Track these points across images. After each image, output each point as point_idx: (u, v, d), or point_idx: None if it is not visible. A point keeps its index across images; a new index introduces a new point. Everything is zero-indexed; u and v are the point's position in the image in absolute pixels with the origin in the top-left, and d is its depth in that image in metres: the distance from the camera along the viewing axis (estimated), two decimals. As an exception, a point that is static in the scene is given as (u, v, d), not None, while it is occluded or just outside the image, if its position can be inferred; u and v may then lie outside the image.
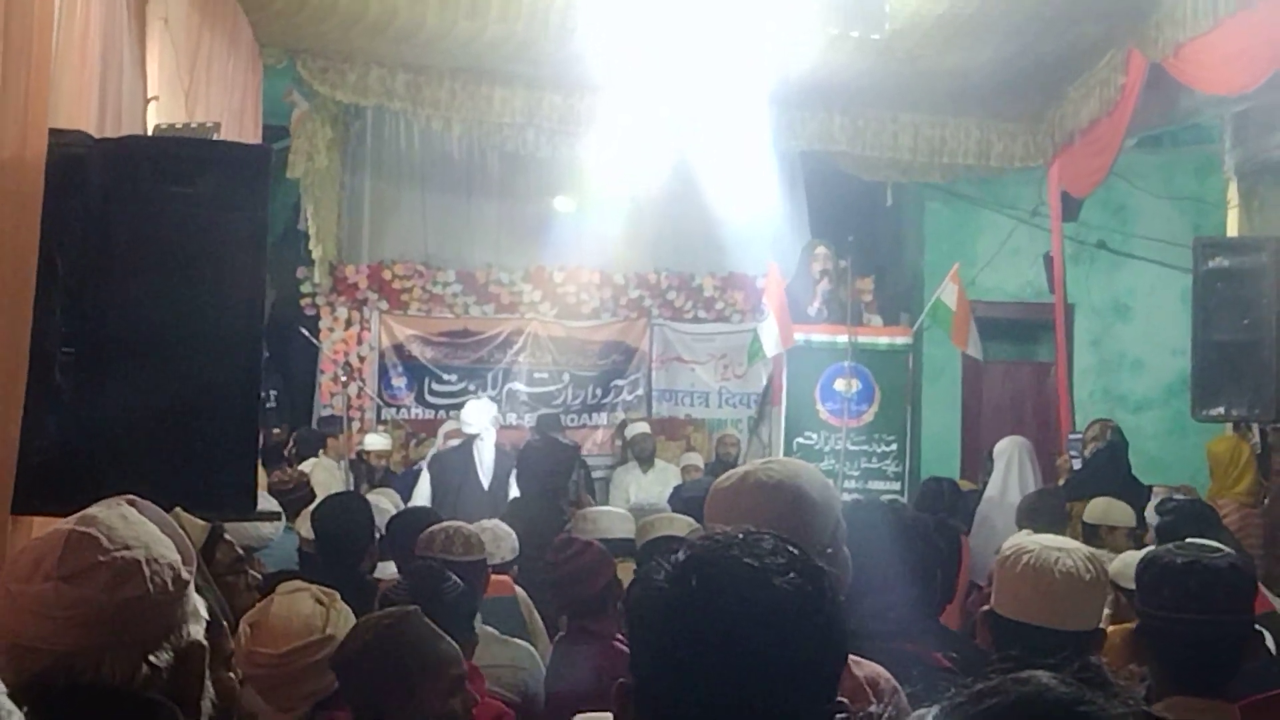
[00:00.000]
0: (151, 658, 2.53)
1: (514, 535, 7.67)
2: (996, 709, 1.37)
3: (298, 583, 4.53)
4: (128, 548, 2.53)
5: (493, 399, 15.20)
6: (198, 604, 2.68)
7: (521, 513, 8.79)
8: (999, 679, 1.42)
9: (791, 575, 2.16)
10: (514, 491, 10.66)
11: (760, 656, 2.10)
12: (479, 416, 12.27)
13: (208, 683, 2.68)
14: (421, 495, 11.60)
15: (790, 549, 2.23)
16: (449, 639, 4.37)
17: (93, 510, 2.62)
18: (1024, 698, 1.37)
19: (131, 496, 2.74)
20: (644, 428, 15.75)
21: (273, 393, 16.06)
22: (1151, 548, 4.45)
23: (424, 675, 4.16)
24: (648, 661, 2.19)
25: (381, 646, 4.15)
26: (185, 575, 2.62)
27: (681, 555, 2.23)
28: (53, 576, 2.47)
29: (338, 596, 4.43)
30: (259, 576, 5.90)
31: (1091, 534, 9.06)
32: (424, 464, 13.07)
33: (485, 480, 11.69)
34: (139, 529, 2.60)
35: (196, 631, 2.65)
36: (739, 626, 2.10)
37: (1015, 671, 1.44)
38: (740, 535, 2.24)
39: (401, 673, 4.13)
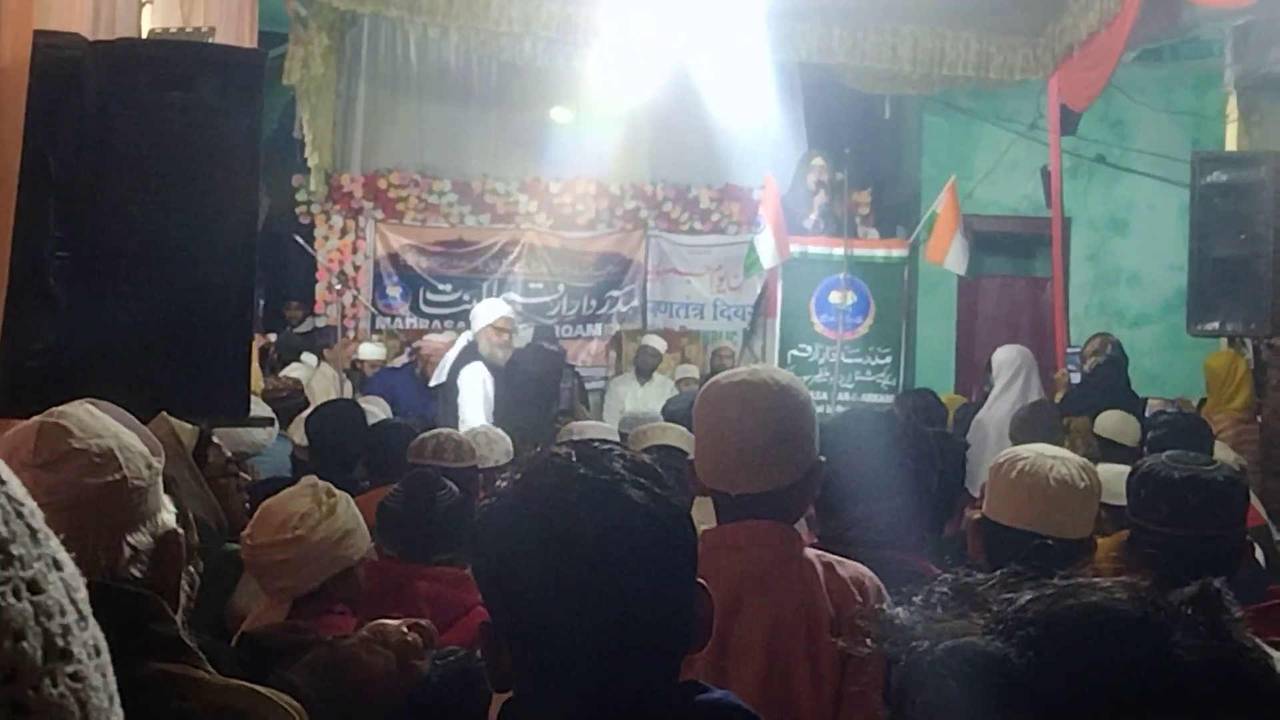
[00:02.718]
0: (131, 539, 2.56)
1: (508, 439, 7.68)
2: (1062, 613, 1.35)
3: (316, 480, 4.55)
4: (99, 436, 2.57)
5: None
6: (166, 499, 2.70)
7: (511, 419, 8.79)
8: (1063, 583, 1.40)
9: (640, 480, 2.17)
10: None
11: (620, 564, 2.11)
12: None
13: (186, 569, 2.71)
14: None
15: (624, 455, 2.25)
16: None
17: (59, 408, 2.65)
18: (1090, 607, 1.35)
19: (92, 399, 2.76)
20: (655, 342, 15.73)
21: (260, 303, 16.06)
22: (1152, 458, 4.44)
23: None
24: (507, 590, 2.19)
25: None
26: (155, 464, 2.66)
27: (520, 475, 2.23)
28: (30, 465, 2.49)
29: (340, 503, 4.45)
30: (249, 479, 5.92)
31: (1107, 447, 9.07)
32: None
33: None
34: (106, 421, 2.64)
35: (170, 520, 2.68)
36: (597, 539, 2.11)
37: (1015, 582, 1.43)
38: (576, 451, 2.24)
39: None
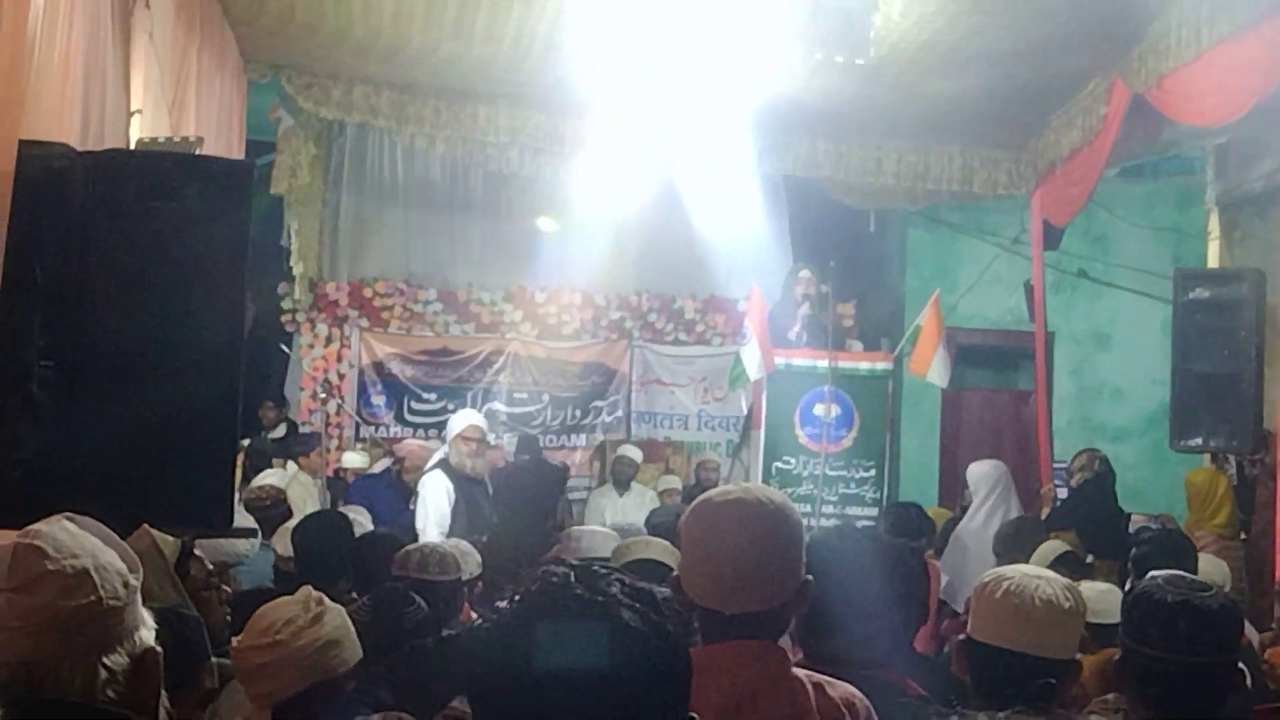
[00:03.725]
0: (107, 661, 2.54)
1: (476, 553, 7.61)
2: None
3: (311, 590, 4.53)
4: (75, 556, 2.55)
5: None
6: (145, 615, 2.68)
7: (510, 532, 8.75)
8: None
9: (636, 605, 2.14)
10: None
11: (614, 688, 2.07)
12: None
13: (163, 691, 2.69)
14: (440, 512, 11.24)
15: (622, 579, 2.21)
16: None
17: (36, 526, 2.63)
18: None
19: (71, 514, 2.74)
20: (631, 451, 15.66)
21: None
22: (1148, 579, 4.42)
23: None
24: (497, 713, 2.14)
25: None
26: (133, 581, 2.64)
27: (519, 598, 2.19)
28: (3, 589, 2.49)
29: (328, 613, 4.43)
30: (229, 591, 5.89)
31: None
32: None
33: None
34: (83, 540, 2.62)
35: (149, 638, 2.65)
36: (590, 662, 2.07)
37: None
38: (574, 572, 2.20)
39: None
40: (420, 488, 11.27)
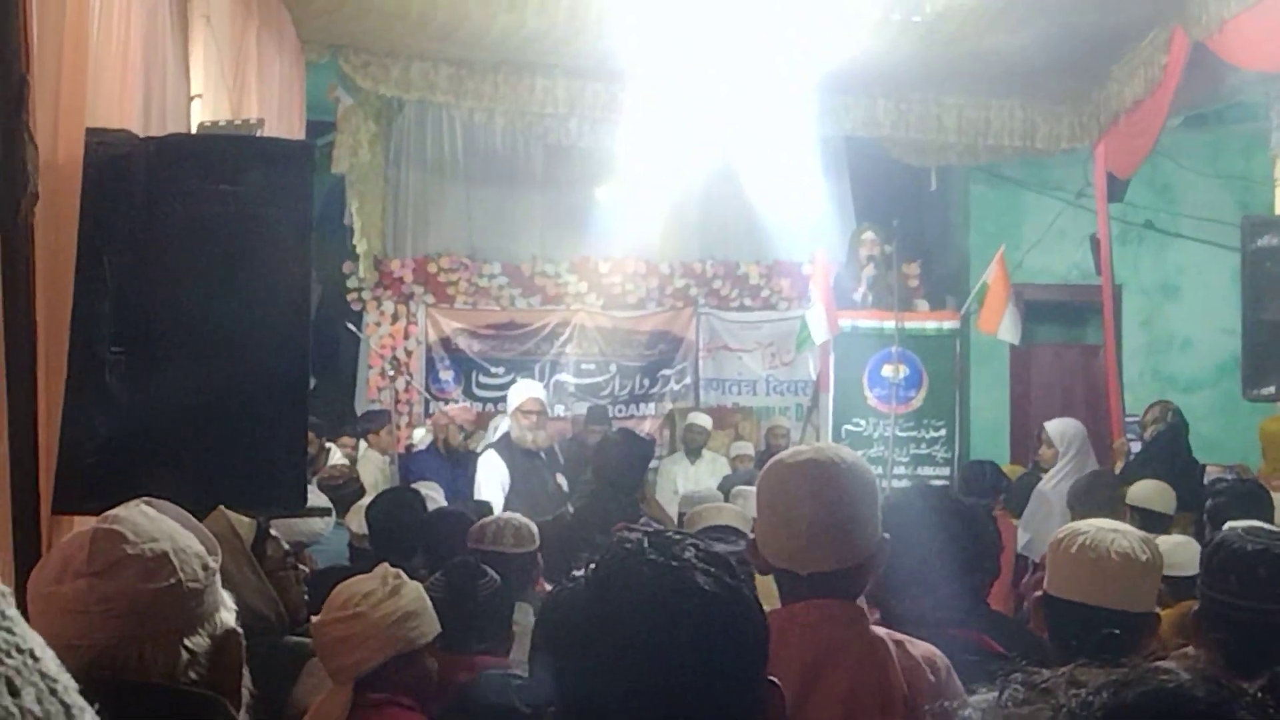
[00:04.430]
0: (188, 643, 2.55)
1: (534, 526, 7.54)
2: (1135, 701, 1.34)
3: (385, 565, 4.56)
4: (154, 540, 2.56)
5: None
6: (225, 597, 2.70)
7: (597, 504, 8.74)
8: (1137, 669, 1.39)
9: (710, 570, 2.13)
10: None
11: (687, 653, 2.06)
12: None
13: (245, 670, 2.70)
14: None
15: (697, 544, 2.21)
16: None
17: (114, 511, 2.65)
18: (1164, 692, 1.34)
19: (148, 499, 2.76)
20: (701, 419, 15.63)
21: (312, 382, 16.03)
22: (1226, 530, 4.39)
23: None
24: (575, 682, 2.13)
25: None
26: (212, 564, 2.65)
27: (594, 565, 2.19)
28: (84, 574, 2.50)
29: (405, 586, 4.45)
30: (306, 570, 5.92)
31: (1143, 516, 8.99)
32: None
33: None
34: (161, 524, 2.64)
35: (230, 619, 2.67)
36: (665, 626, 2.07)
37: (1074, 660, 1.42)
38: (648, 538, 2.20)
39: None
40: (477, 466, 11.31)
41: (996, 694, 1.46)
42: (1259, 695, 1.34)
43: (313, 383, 15.52)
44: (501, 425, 12.41)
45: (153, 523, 2.62)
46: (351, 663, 4.33)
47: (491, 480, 10.85)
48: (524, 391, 11.52)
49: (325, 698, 4.45)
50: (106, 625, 2.48)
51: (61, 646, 2.46)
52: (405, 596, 4.42)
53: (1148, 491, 9.20)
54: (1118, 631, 3.86)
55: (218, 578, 2.68)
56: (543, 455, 11.26)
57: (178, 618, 2.55)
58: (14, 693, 0.96)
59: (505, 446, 11.18)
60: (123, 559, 2.51)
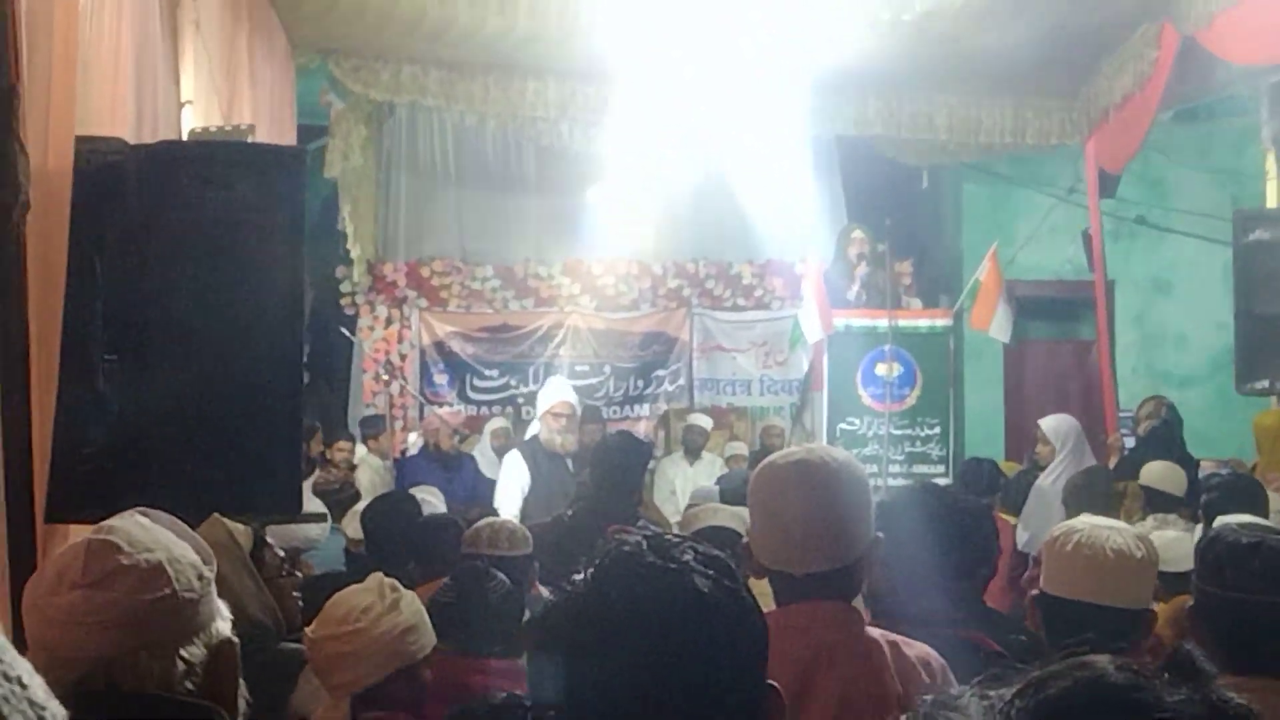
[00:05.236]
0: (184, 653, 2.56)
1: (528, 530, 7.52)
2: (1056, 696, 1.37)
3: (383, 577, 4.53)
4: (149, 550, 2.57)
5: (534, 394, 15.34)
6: (220, 607, 2.70)
7: (596, 507, 8.74)
8: (1058, 665, 1.43)
9: (709, 572, 2.12)
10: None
11: (689, 655, 2.06)
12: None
13: (241, 680, 2.71)
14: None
15: (695, 546, 2.19)
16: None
17: (109, 521, 2.65)
18: (1082, 683, 1.37)
19: (143, 508, 2.76)
20: (702, 420, 15.68)
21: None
22: (1220, 525, 4.42)
23: None
24: (574, 685, 2.10)
25: None
26: (207, 574, 2.66)
27: (591, 568, 2.17)
28: (79, 585, 2.51)
29: (404, 599, 4.42)
30: (299, 577, 5.91)
31: (1154, 497, 9.01)
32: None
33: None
34: (156, 534, 2.64)
35: (225, 629, 2.68)
36: (666, 631, 2.06)
37: (1075, 658, 1.44)
38: (646, 541, 2.18)
39: None
40: (502, 463, 11.33)
41: (983, 689, 1.49)
42: (1166, 675, 1.38)
43: (306, 377, 15.70)
44: (532, 428, 12.38)
45: (147, 533, 2.62)
46: (351, 679, 4.30)
47: (512, 482, 10.86)
48: (555, 394, 11.51)
49: (322, 714, 4.44)
50: (102, 636, 2.49)
51: (58, 658, 2.48)
52: (404, 610, 4.39)
53: (1161, 472, 9.21)
54: (1110, 612, 3.88)
55: (213, 587, 2.68)
56: (568, 461, 11.26)
57: (173, 628, 2.55)
58: None
59: (530, 448, 11.16)
60: (117, 570, 2.52)
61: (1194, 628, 4.09)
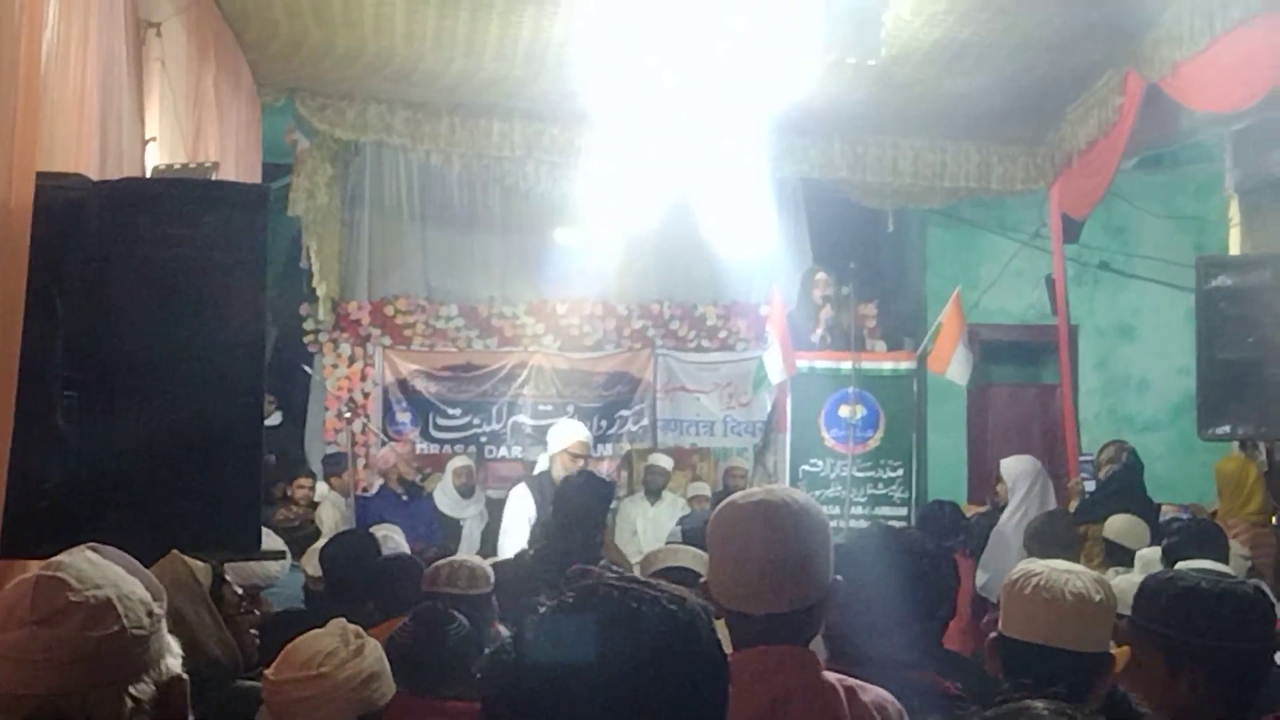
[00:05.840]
0: (133, 690, 2.54)
1: (489, 568, 7.52)
2: None
3: (345, 622, 4.49)
4: (98, 587, 2.54)
5: (497, 432, 15.31)
6: (171, 643, 2.68)
7: (558, 545, 8.73)
8: (995, 709, 1.44)
9: (672, 610, 2.12)
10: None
11: (650, 695, 2.05)
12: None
13: (191, 717, 2.68)
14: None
15: (657, 586, 2.19)
16: None
17: (58, 557, 2.63)
18: None
19: (94, 544, 2.74)
20: (663, 461, 15.69)
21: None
22: (1175, 569, 4.45)
23: None
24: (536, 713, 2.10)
25: None
26: (157, 610, 2.64)
27: (554, 609, 2.17)
28: (27, 622, 2.48)
29: (368, 646, 4.39)
30: (258, 614, 5.88)
31: (1114, 550, 9.04)
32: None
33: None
34: (106, 569, 2.62)
35: (175, 666, 2.66)
36: (629, 670, 2.05)
37: (1022, 700, 1.45)
38: (608, 579, 2.19)
39: None
40: (508, 499, 11.36)
41: None
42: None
43: (279, 418, 15.66)
44: (540, 464, 12.39)
45: (97, 569, 2.60)
46: None
47: (519, 515, 10.87)
48: (571, 434, 11.58)
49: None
50: (50, 673, 2.46)
51: (5, 695, 2.46)
52: (368, 657, 4.36)
53: (1124, 526, 9.26)
54: (1069, 656, 3.90)
55: (163, 624, 2.66)
56: None
57: (122, 665, 2.53)
58: None
59: (539, 482, 11.16)
60: (66, 606, 2.50)
61: (1172, 673, 4.09)
